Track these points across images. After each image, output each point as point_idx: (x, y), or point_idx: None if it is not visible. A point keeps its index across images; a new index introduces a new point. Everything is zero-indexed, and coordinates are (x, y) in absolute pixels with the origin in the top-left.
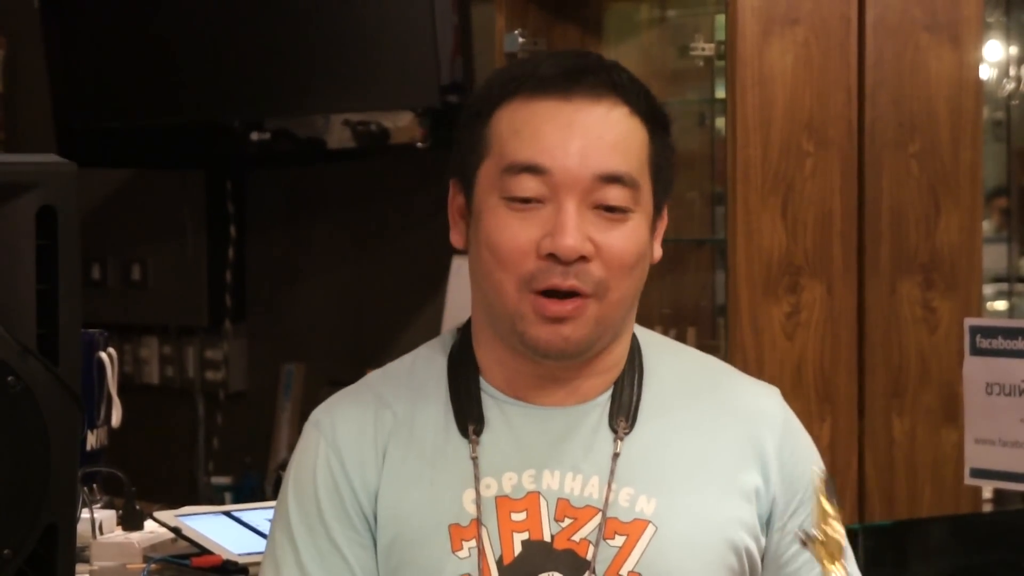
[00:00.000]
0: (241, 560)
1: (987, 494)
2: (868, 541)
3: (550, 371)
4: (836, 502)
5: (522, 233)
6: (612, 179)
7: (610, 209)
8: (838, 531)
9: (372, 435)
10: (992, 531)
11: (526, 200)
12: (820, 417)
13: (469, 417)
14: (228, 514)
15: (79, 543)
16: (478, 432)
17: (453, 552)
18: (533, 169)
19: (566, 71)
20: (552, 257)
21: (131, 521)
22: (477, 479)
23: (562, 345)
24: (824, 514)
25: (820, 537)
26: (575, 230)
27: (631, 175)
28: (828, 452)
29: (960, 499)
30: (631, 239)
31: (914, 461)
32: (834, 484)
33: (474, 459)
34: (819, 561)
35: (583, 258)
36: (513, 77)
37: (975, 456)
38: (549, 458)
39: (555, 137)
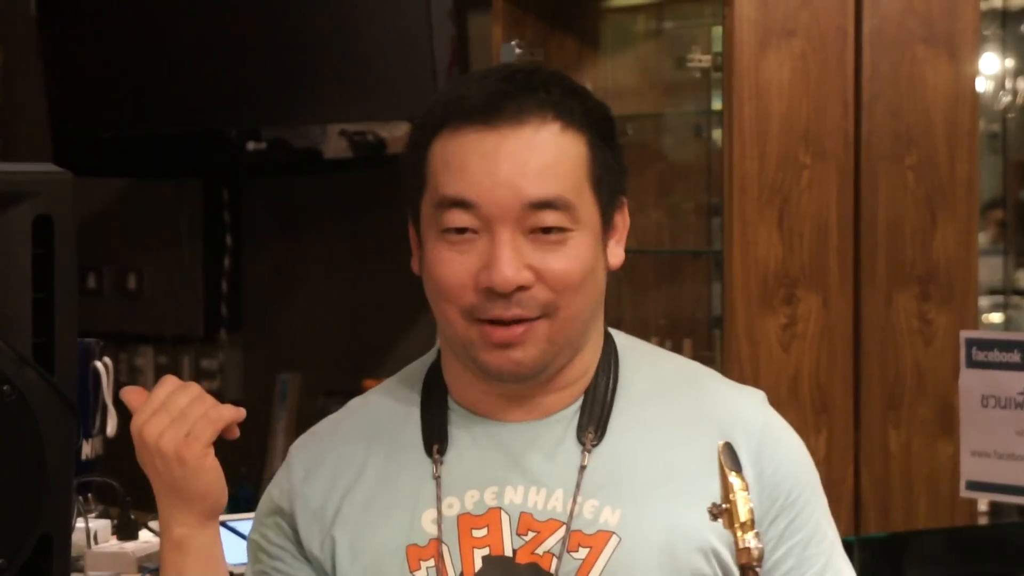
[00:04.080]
0: (236, 570)
1: (983, 507)
2: (864, 553)
3: (511, 391)
4: (739, 470)
5: (460, 266)
6: (543, 205)
7: (547, 231)
8: (745, 498)
9: (334, 466)
10: (988, 544)
11: (460, 230)
12: (816, 429)
13: (434, 437)
14: (223, 524)
15: (74, 553)
16: (442, 451)
17: (411, 572)
18: (461, 204)
19: (489, 96)
20: (490, 291)
21: (126, 531)
22: (439, 499)
23: (514, 368)
24: (729, 485)
25: (727, 507)
26: (510, 262)
27: (563, 197)
28: (824, 464)
29: (956, 511)
30: (572, 259)
31: (910, 473)
32: (734, 452)
33: (437, 479)
34: (731, 531)
35: (523, 287)
36: (444, 105)
37: (971, 469)
38: (512, 473)
39: (480, 169)
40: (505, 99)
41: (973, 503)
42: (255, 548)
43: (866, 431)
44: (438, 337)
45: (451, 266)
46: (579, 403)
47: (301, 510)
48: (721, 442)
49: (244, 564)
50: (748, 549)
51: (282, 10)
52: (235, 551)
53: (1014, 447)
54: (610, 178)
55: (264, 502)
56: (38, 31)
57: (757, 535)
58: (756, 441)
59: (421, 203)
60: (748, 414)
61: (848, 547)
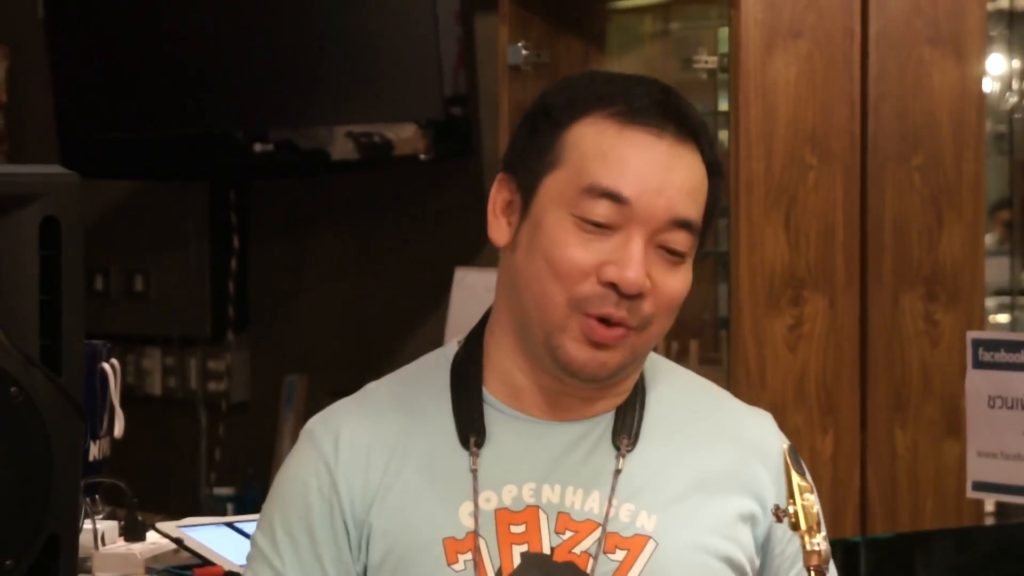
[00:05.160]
0: (243, 571)
1: (989, 507)
2: (870, 554)
3: (569, 389)
4: (805, 474)
5: (587, 255)
6: (683, 224)
7: (672, 252)
8: (812, 501)
9: (366, 450)
10: (994, 544)
11: (598, 225)
12: (822, 430)
13: (470, 429)
14: (230, 525)
15: (81, 554)
16: (479, 444)
17: (449, 565)
18: (615, 196)
19: (660, 105)
20: (612, 286)
21: (133, 532)
22: (476, 492)
23: (598, 370)
24: (798, 488)
25: (795, 510)
26: (641, 266)
27: (697, 223)
28: (830, 465)
29: (962, 512)
30: (682, 281)
31: (916, 474)
32: (799, 456)
33: (474, 472)
34: (798, 535)
35: (640, 294)
36: (600, 95)
37: (977, 469)
38: (550, 472)
39: (643, 170)
40: (676, 114)
41: (980, 504)
42: (303, 531)
43: (872, 432)
44: (493, 321)
45: (577, 252)
46: (614, 409)
47: (344, 488)
48: (786, 445)
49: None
50: (818, 552)
51: (288, 12)
52: (243, 552)
53: (1021, 448)
54: (711, 222)
55: (296, 483)
56: (45, 34)
57: (825, 538)
58: (776, 465)
59: (546, 179)
60: (767, 435)
61: (855, 548)
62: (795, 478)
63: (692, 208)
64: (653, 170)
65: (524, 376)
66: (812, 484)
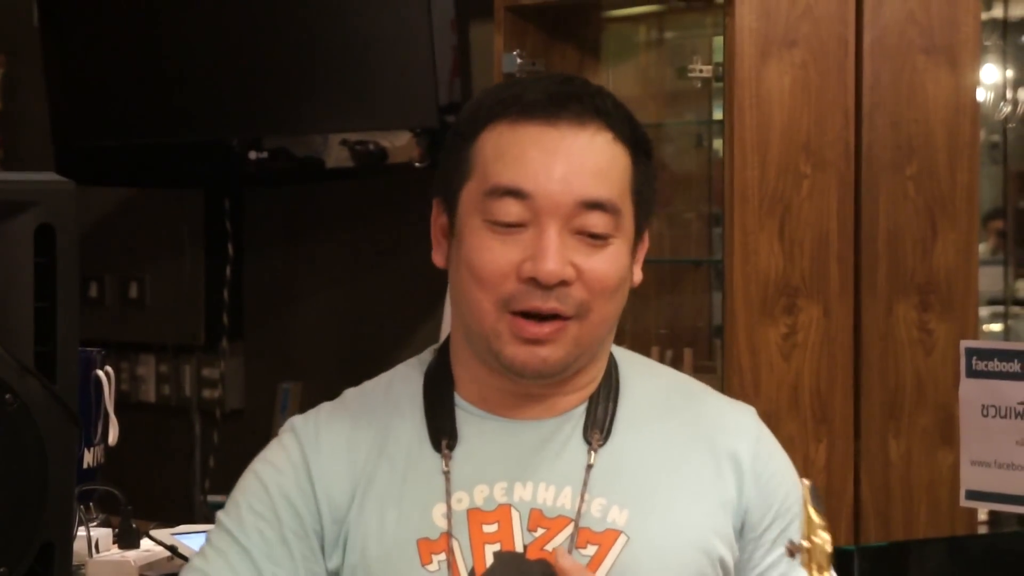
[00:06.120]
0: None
1: (982, 516)
2: (864, 563)
3: (525, 389)
4: (822, 511)
5: (503, 256)
6: (594, 205)
7: (592, 236)
8: (826, 540)
9: (344, 452)
10: (987, 553)
11: (508, 225)
12: (816, 438)
13: (442, 432)
14: None
15: (75, 561)
16: (451, 447)
17: (423, 566)
18: (516, 193)
19: (552, 96)
20: (532, 281)
21: (127, 539)
22: (448, 493)
23: (539, 366)
24: (812, 524)
25: (808, 546)
26: (556, 255)
27: (613, 201)
28: (824, 473)
29: (955, 521)
30: (613, 264)
31: (910, 482)
32: (819, 493)
33: (446, 473)
34: (807, 570)
35: (564, 282)
36: (499, 100)
37: (971, 478)
38: (522, 470)
39: (539, 162)
40: (568, 100)
41: (973, 512)
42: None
43: (866, 440)
44: (452, 332)
45: (493, 254)
46: (585, 405)
47: (321, 485)
48: (807, 482)
49: None
50: None
51: (283, 20)
52: None
53: (1014, 457)
54: (647, 196)
55: (269, 474)
56: (40, 41)
57: None
58: (753, 449)
59: (462, 192)
60: (745, 425)
61: (848, 556)
62: (812, 514)
63: (602, 188)
64: (550, 159)
65: (486, 382)
66: (825, 522)
